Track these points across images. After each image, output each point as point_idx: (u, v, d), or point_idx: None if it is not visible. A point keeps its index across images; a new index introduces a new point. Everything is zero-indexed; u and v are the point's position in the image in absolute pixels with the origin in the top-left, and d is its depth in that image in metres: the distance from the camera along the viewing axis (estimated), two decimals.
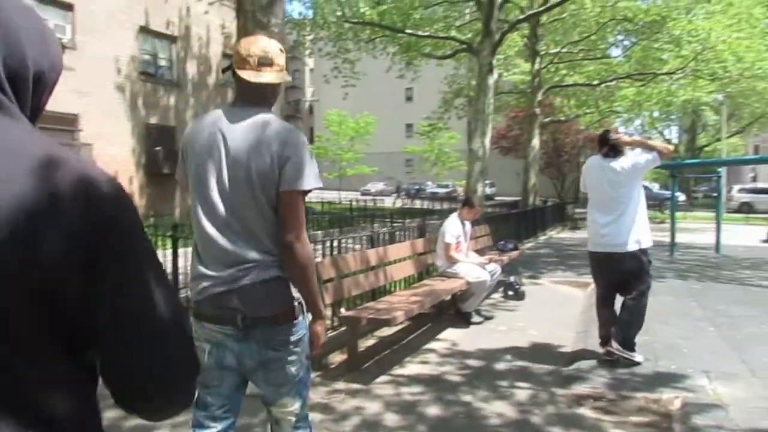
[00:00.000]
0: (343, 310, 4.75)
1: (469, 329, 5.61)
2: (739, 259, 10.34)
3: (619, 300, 4.46)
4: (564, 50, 18.39)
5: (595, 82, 18.75)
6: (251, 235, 1.85)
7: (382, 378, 4.15)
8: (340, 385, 3.93)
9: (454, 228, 5.90)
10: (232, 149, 1.85)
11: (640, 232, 4.26)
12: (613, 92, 19.87)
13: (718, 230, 11.46)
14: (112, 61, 15.73)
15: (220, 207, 1.86)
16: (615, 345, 4.24)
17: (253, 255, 1.84)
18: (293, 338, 1.92)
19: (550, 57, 18.70)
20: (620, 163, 4.30)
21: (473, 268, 5.88)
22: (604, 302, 4.48)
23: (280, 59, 1.94)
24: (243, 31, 5.11)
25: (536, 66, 18.25)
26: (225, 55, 18.37)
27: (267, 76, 1.90)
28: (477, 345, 4.99)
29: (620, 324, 4.30)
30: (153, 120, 17.11)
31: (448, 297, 5.69)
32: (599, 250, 4.37)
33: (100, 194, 0.73)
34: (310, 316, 1.99)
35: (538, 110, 18.68)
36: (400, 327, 5.39)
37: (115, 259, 0.74)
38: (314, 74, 48.91)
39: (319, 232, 7.15)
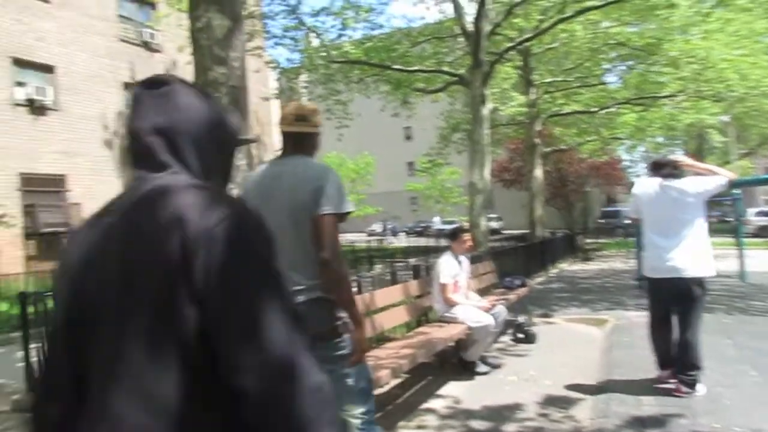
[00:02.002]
0: None
1: (474, 381, 4.95)
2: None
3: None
4: (558, 79, 18.08)
5: (594, 109, 18.35)
6: (297, 264, 2.12)
7: None
8: None
9: (449, 266, 5.29)
10: (276, 191, 2.22)
11: (705, 258, 4.07)
12: (613, 119, 19.43)
13: (741, 257, 10.73)
14: (97, 120, 15.50)
15: None
16: (685, 389, 4.05)
17: (299, 280, 2.12)
18: (342, 353, 2.17)
19: (544, 87, 18.40)
20: (688, 184, 4.10)
21: (474, 311, 5.23)
22: (660, 331, 4.29)
23: (313, 117, 2.39)
24: (201, 68, 4.64)
25: (532, 96, 17.92)
26: None
27: (299, 127, 2.35)
28: (483, 401, 4.33)
29: (679, 360, 4.14)
30: None
31: (447, 346, 5.03)
32: (662, 275, 4.11)
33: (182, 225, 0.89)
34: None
35: (537, 140, 18.25)
36: (395, 382, 4.75)
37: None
38: None
39: None
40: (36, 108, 14.02)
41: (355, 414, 2.26)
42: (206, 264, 0.85)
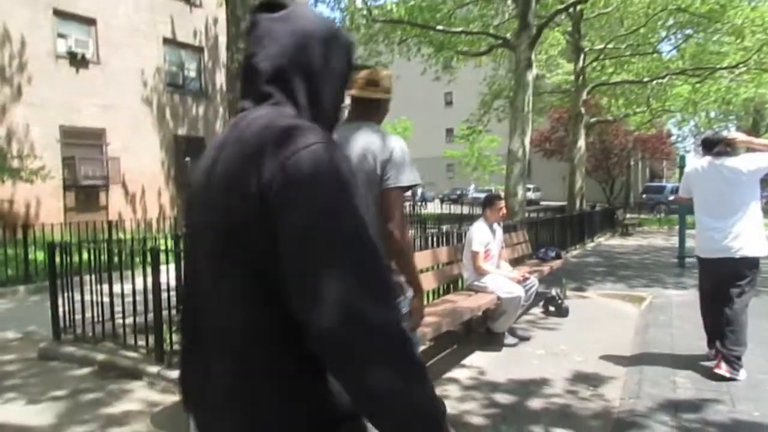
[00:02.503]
0: None
1: (500, 353, 4.82)
2: None
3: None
4: (610, 46, 17.23)
5: (646, 80, 17.48)
6: None
7: None
8: None
9: (481, 234, 5.11)
10: None
11: (759, 238, 3.93)
12: (665, 90, 18.51)
13: None
14: (137, 74, 15.55)
15: None
16: (726, 367, 3.86)
17: None
18: None
19: (594, 54, 17.58)
20: (741, 162, 3.91)
21: (505, 281, 5.07)
22: (710, 311, 4.16)
23: (385, 82, 2.32)
24: (234, 18, 4.52)
25: (580, 64, 17.16)
26: None
27: (370, 92, 2.29)
28: (509, 374, 4.21)
29: (724, 341, 3.96)
30: (181, 131, 16.87)
31: (474, 315, 4.90)
32: (714, 256, 4.01)
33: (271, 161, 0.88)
34: (410, 293, 2.24)
35: (582, 110, 17.57)
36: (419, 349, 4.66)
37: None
38: None
39: None
40: (77, 61, 14.15)
41: None
42: (277, 197, 0.85)
